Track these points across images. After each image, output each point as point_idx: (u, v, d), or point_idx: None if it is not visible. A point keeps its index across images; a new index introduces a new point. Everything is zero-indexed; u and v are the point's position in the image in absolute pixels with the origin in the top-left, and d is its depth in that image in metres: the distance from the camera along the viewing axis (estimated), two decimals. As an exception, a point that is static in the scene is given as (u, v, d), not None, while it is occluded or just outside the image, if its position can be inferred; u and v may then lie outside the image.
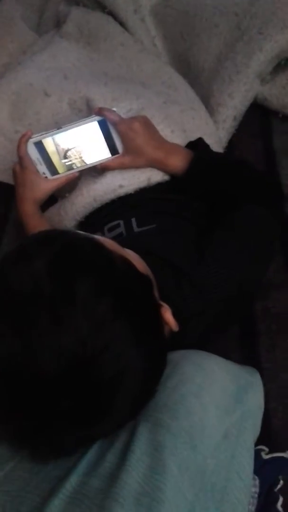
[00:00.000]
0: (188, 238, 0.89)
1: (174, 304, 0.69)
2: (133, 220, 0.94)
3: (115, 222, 0.95)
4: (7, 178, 1.21)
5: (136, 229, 0.93)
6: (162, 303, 0.64)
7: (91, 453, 0.55)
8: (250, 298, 0.91)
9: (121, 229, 0.94)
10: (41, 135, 0.90)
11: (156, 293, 0.65)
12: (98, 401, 0.49)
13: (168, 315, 0.63)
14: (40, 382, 0.47)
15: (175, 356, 0.68)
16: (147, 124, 0.93)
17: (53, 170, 0.96)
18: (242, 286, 0.80)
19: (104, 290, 0.51)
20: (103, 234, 0.95)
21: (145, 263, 0.69)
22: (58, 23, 1.43)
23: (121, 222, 0.95)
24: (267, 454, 0.68)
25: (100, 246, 0.57)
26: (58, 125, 0.91)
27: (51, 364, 0.46)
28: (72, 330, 0.47)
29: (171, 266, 0.80)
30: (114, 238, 0.90)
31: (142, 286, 0.60)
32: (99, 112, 0.89)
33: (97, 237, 0.60)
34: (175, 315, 0.65)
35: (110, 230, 0.95)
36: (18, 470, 0.54)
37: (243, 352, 0.89)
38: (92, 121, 0.90)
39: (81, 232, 0.61)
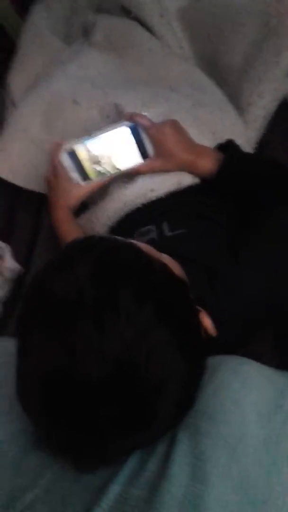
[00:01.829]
0: (221, 241, 0.88)
1: (209, 307, 0.68)
2: (165, 224, 0.94)
3: (147, 227, 0.95)
4: (38, 187, 1.22)
5: (168, 233, 0.92)
6: (199, 308, 0.63)
7: (131, 462, 0.54)
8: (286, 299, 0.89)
9: (153, 233, 0.94)
10: (74, 143, 0.92)
11: (193, 298, 0.65)
12: (143, 408, 0.49)
13: (206, 320, 0.62)
14: (84, 389, 0.46)
15: (211, 362, 0.67)
16: (177, 127, 0.94)
17: (85, 176, 0.97)
18: (279, 289, 0.79)
19: (146, 296, 0.50)
20: (134, 239, 0.95)
21: (180, 267, 0.68)
22: (86, 33, 1.45)
23: (153, 227, 0.95)
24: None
25: (138, 251, 0.57)
26: (89, 132, 0.92)
27: (96, 371, 0.46)
28: (116, 337, 0.46)
29: (204, 269, 0.80)
30: (147, 243, 0.90)
31: (180, 290, 0.59)
32: (131, 117, 0.90)
33: (135, 242, 0.60)
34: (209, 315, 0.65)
35: (141, 235, 0.95)
36: (57, 480, 0.53)
37: (278, 357, 0.87)
38: (123, 126, 0.91)
39: (119, 237, 0.61)
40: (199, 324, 0.61)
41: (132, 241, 0.60)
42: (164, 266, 0.58)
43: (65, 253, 0.56)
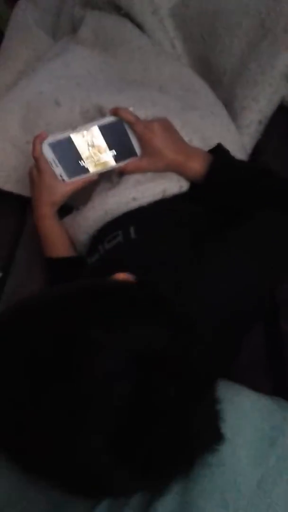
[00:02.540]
0: (190, 241, 0.84)
1: (175, 310, 0.65)
2: (132, 228, 0.89)
3: (115, 233, 0.91)
4: (20, 189, 1.18)
5: (133, 235, 0.88)
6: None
7: (108, 505, 0.49)
8: (263, 308, 0.85)
9: (120, 238, 0.89)
10: (57, 136, 0.87)
11: None
12: None
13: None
14: None
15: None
16: (167, 126, 0.89)
17: (70, 172, 0.92)
18: (249, 294, 0.76)
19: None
20: (103, 246, 0.92)
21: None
22: (74, 28, 1.39)
23: (120, 231, 0.90)
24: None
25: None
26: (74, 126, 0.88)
27: None
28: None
29: (168, 268, 0.77)
30: (113, 248, 0.88)
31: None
32: (115, 112, 0.85)
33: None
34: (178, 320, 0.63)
35: (109, 241, 0.91)
36: None
37: (273, 383, 0.82)
38: (108, 121, 0.86)
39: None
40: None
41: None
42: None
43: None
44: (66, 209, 1.01)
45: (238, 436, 0.55)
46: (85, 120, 1.04)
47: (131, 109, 0.86)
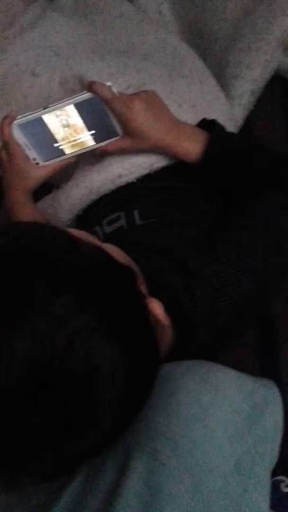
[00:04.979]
0: (198, 232, 0.84)
1: (182, 304, 0.68)
2: (136, 212, 0.90)
3: (116, 215, 0.92)
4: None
5: (138, 221, 0.89)
6: (150, 297, 0.61)
7: (71, 492, 0.50)
8: (270, 299, 0.85)
9: (122, 222, 0.90)
10: (27, 116, 0.85)
11: (144, 288, 0.63)
12: (73, 409, 0.46)
13: (154, 306, 0.59)
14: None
15: (178, 369, 0.63)
16: (151, 102, 0.86)
17: (44, 155, 0.91)
18: (261, 286, 0.76)
19: (64, 279, 0.48)
20: (101, 228, 0.92)
21: (127, 256, 0.68)
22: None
23: (122, 214, 0.91)
24: (287, 486, 0.64)
25: (62, 234, 0.56)
26: (45, 104, 0.86)
27: (9, 376, 0.43)
28: (26, 332, 0.44)
29: (178, 263, 0.76)
30: (114, 232, 0.88)
31: (118, 275, 0.57)
32: (90, 87, 0.82)
33: (64, 228, 0.59)
34: (182, 317, 0.65)
35: (109, 223, 0.92)
36: None
37: (260, 362, 0.85)
38: (84, 98, 0.83)
39: (45, 223, 0.59)
40: (145, 314, 0.59)
41: (63, 228, 0.59)
42: (97, 250, 0.58)
43: None
44: (43, 185, 0.99)
45: (213, 415, 0.56)
46: (65, 91, 1.03)
47: (108, 84, 0.82)
